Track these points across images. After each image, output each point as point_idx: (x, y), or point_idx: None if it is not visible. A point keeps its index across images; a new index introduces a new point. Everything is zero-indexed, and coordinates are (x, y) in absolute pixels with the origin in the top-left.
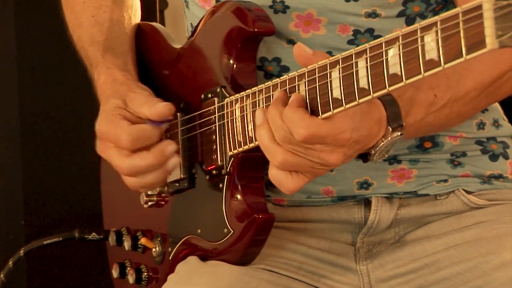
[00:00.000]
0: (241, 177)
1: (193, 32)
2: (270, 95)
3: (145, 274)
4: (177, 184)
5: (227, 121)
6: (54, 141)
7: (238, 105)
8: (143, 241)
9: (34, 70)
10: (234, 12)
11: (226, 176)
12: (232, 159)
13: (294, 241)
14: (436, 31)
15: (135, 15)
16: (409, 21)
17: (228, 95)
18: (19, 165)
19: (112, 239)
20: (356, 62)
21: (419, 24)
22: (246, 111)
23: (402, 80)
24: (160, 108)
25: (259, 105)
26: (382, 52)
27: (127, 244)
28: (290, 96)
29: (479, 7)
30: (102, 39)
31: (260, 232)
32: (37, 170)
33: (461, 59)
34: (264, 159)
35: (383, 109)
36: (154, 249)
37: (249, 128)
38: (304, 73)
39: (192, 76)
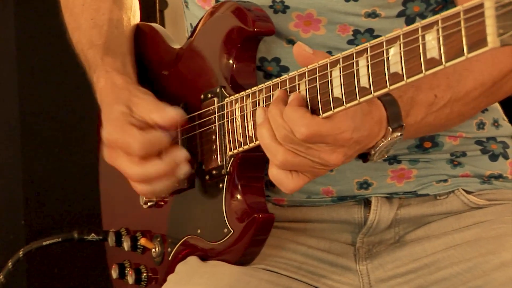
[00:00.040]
0: (241, 177)
1: (192, 33)
2: (270, 95)
3: (145, 274)
4: (177, 185)
5: (227, 121)
6: (54, 141)
7: (238, 105)
8: (142, 241)
9: (34, 70)
10: (233, 12)
11: (226, 176)
12: (232, 159)
13: (294, 241)
14: (437, 30)
15: (134, 16)
16: (409, 21)
17: (228, 95)
18: (19, 165)
19: (111, 240)
20: (357, 61)
21: (420, 22)
22: (246, 110)
23: (403, 79)
24: (171, 114)
25: (259, 105)
26: (383, 51)
27: (126, 245)
28: (290, 95)
29: (480, 5)
30: (101, 42)
31: (260, 232)
32: (37, 170)
33: (463, 58)
34: (264, 159)
35: (384, 110)
36: (153, 250)
37: (249, 127)
38: (305, 72)
39: (191, 76)
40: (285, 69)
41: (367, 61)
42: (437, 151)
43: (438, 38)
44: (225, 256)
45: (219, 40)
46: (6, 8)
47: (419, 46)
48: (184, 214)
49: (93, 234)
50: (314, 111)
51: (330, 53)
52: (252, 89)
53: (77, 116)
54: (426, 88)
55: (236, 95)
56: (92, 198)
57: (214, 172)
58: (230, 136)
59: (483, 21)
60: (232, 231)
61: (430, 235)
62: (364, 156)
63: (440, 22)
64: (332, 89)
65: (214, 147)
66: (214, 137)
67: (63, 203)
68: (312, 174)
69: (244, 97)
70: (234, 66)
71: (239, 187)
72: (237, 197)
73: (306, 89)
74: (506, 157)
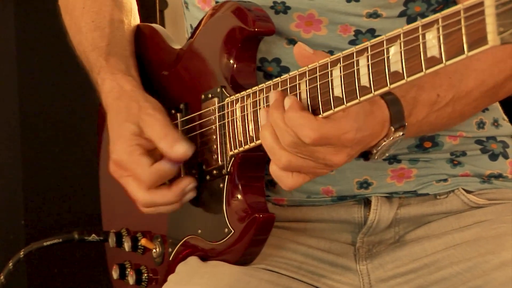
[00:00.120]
0: (241, 177)
1: (193, 33)
2: None
3: (145, 275)
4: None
5: (228, 121)
6: (54, 141)
7: (238, 104)
8: (143, 242)
9: (34, 70)
10: (234, 12)
11: (227, 176)
12: (233, 159)
13: (294, 241)
14: (438, 29)
15: (134, 18)
16: (410, 21)
17: (228, 95)
18: (19, 165)
19: (112, 240)
20: (357, 61)
21: (420, 21)
22: (246, 110)
23: (404, 78)
24: (181, 150)
25: (259, 105)
26: (383, 50)
27: (127, 245)
28: (286, 98)
29: (480, 3)
30: (103, 44)
31: (260, 231)
32: (37, 170)
33: (463, 56)
34: (264, 158)
35: (386, 109)
36: (154, 250)
37: (250, 127)
38: (305, 72)
39: (192, 76)
40: (286, 70)
41: (368, 60)
42: (437, 150)
43: (439, 37)
44: (226, 256)
45: (220, 40)
46: (6, 8)
47: (419, 45)
48: (185, 215)
49: (93, 235)
50: (315, 111)
51: (331, 53)
52: (253, 89)
53: (77, 116)
54: (428, 87)
55: (236, 95)
56: (92, 198)
57: (214, 172)
58: (231, 136)
59: (483, 19)
60: (233, 231)
61: (430, 235)
62: (365, 155)
63: (440, 20)
64: (332, 89)
65: (215, 147)
66: (214, 137)
67: (63, 203)
68: (314, 174)
69: (245, 97)
70: (235, 66)
71: (240, 187)
72: (237, 197)
73: (306, 89)
74: (506, 156)
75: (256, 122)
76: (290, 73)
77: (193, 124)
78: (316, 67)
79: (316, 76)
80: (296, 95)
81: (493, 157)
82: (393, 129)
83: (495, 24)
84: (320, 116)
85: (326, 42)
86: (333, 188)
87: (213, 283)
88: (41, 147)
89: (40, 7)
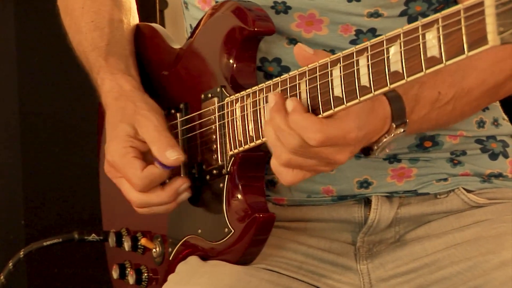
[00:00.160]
0: (241, 177)
1: (192, 33)
2: None
3: (145, 274)
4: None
5: (228, 121)
6: (54, 141)
7: (238, 104)
8: (143, 241)
9: (34, 70)
10: (234, 11)
11: (227, 176)
12: (233, 158)
13: (294, 240)
14: (438, 28)
15: (133, 18)
16: (411, 21)
17: (228, 95)
18: (19, 165)
19: (112, 240)
20: (357, 60)
21: (420, 21)
22: (246, 110)
23: (404, 78)
24: (171, 159)
25: (259, 105)
26: (383, 50)
27: (127, 245)
28: (286, 97)
29: (480, 3)
30: (103, 44)
31: (260, 231)
32: (37, 170)
33: (463, 56)
34: (265, 158)
35: (388, 106)
36: (154, 250)
37: (250, 127)
38: (305, 71)
39: (191, 76)
40: (286, 70)
41: (368, 60)
42: (437, 150)
43: (439, 37)
44: (226, 256)
45: (220, 40)
46: (6, 8)
47: (419, 44)
48: (185, 214)
49: (93, 235)
50: (315, 111)
51: (332, 53)
52: (253, 88)
53: (77, 116)
54: (430, 85)
55: (236, 95)
56: (92, 198)
57: (214, 172)
58: (231, 135)
59: (483, 19)
60: (233, 231)
61: (430, 234)
62: (366, 151)
63: (440, 20)
64: (332, 88)
65: (215, 147)
66: (214, 137)
67: (63, 203)
68: (315, 171)
69: (245, 97)
70: (235, 66)
71: (240, 186)
72: (237, 197)
73: (306, 89)
74: (506, 156)
75: (256, 121)
76: (290, 73)
77: (193, 123)
78: (316, 67)
79: (316, 76)
80: (296, 95)
81: (493, 156)
82: (394, 126)
83: (495, 24)
84: (322, 116)
85: (327, 42)
86: (333, 188)
87: (213, 282)
88: (41, 147)
89: (40, 7)
